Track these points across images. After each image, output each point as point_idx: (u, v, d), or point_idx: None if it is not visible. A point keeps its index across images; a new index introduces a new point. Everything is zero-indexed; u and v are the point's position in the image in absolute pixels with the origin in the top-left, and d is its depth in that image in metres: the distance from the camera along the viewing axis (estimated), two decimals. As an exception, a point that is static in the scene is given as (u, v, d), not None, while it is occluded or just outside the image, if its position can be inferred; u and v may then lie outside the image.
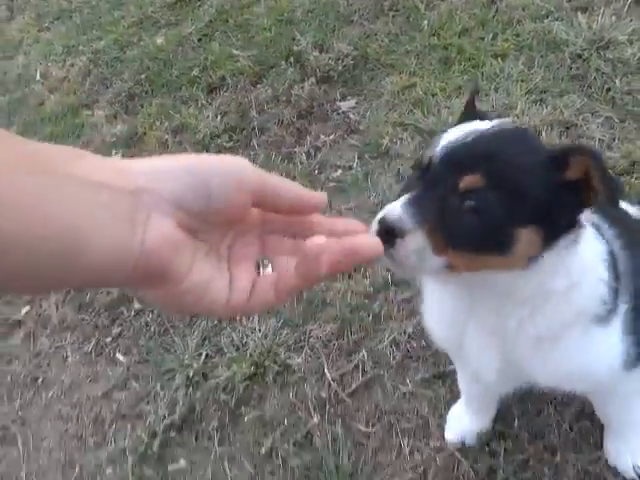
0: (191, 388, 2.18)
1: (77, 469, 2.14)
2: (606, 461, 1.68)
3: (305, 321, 2.26)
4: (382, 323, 2.17)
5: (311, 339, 2.20)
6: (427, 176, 1.11)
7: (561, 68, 2.70)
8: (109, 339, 2.48)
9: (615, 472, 1.66)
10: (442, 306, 1.36)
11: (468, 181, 1.07)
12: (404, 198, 1.08)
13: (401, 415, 1.95)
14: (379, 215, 1.08)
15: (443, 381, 1.97)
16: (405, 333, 2.11)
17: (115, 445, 2.16)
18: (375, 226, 1.07)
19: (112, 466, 2.11)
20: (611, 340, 1.27)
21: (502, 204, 1.06)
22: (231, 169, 0.67)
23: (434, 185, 1.09)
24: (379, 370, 2.06)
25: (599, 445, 1.71)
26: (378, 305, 2.21)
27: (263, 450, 1.98)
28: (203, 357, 2.26)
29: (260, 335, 2.24)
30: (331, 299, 2.28)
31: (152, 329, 2.44)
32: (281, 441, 1.98)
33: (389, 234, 1.04)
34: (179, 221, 0.65)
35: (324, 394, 2.04)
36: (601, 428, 1.72)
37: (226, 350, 2.25)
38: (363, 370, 2.08)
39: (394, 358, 2.07)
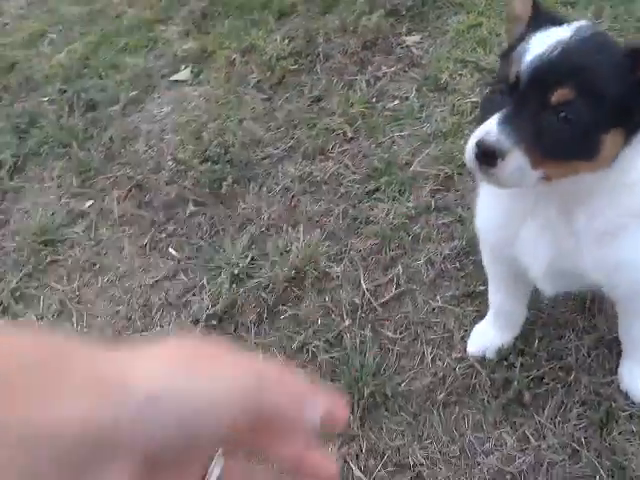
0: (234, 284, 2.30)
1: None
2: (618, 385, 1.74)
3: (347, 235, 2.35)
4: (420, 244, 2.24)
5: (351, 252, 2.29)
6: (516, 93, 1.17)
7: (629, 20, 2.67)
8: (164, 235, 2.61)
9: (625, 396, 1.72)
10: (500, 206, 1.43)
11: (560, 95, 1.13)
12: (497, 118, 1.14)
13: (428, 327, 2.03)
14: (475, 137, 1.17)
15: (472, 300, 2.04)
16: (441, 254, 2.18)
17: (161, 328, 2.30)
18: (474, 148, 1.16)
19: (156, 346, 2.24)
20: None
21: (592, 112, 1.14)
22: (231, 400, 0.49)
23: (525, 101, 1.15)
24: (412, 285, 2.14)
25: (613, 371, 1.77)
26: (419, 227, 2.28)
27: (295, 345, 2.09)
28: (249, 259, 2.37)
29: (304, 244, 2.34)
30: (375, 217, 2.35)
31: (204, 229, 2.56)
32: (313, 338, 2.08)
33: (488, 156, 1.12)
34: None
35: (357, 301, 2.14)
36: (618, 356, 1.78)
37: (271, 254, 2.35)
38: (397, 284, 2.16)
39: (427, 276, 2.15)
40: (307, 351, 2.07)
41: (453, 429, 1.80)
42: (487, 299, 1.91)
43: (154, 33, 3.68)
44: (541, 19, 1.26)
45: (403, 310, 2.10)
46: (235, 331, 2.22)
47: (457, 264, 2.15)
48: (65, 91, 3.44)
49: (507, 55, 1.27)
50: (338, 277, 2.23)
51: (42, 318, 2.45)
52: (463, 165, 2.37)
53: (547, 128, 1.14)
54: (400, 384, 1.92)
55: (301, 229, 2.42)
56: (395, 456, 1.79)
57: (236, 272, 2.33)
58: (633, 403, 1.70)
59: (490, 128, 1.14)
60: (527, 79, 1.15)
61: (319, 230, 2.39)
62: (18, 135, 3.26)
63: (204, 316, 2.25)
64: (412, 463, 1.77)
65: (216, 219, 2.58)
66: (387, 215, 2.34)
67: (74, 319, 2.44)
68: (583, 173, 1.20)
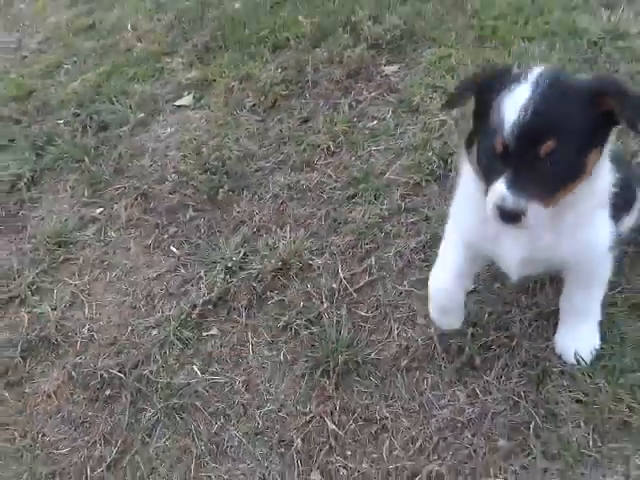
0: (228, 276, 2.58)
1: (129, 329, 2.55)
2: (553, 349, 2.01)
3: (328, 234, 2.64)
4: (391, 239, 2.53)
5: (331, 247, 2.58)
6: (509, 157, 1.43)
7: (577, 52, 3.01)
8: (166, 236, 2.90)
9: (559, 357, 1.99)
10: (481, 210, 1.62)
11: (546, 147, 1.39)
12: (504, 183, 1.43)
13: (395, 307, 2.31)
14: (493, 201, 1.46)
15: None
16: (409, 248, 2.47)
17: (162, 314, 2.57)
18: (496, 212, 1.46)
19: (158, 329, 2.51)
20: (606, 222, 1.69)
21: (573, 148, 1.42)
22: None
23: (519, 162, 1.42)
24: (383, 273, 2.42)
25: (550, 338, 2.04)
26: (390, 225, 2.58)
27: (280, 324, 2.37)
28: (241, 254, 2.65)
29: (290, 241, 2.62)
30: (352, 218, 2.65)
31: (202, 230, 2.86)
32: (296, 318, 2.36)
33: (512, 217, 1.44)
34: None
35: (335, 286, 2.41)
36: (554, 326, 2.05)
37: (261, 250, 2.64)
38: (370, 273, 2.44)
39: (396, 265, 2.43)
40: (291, 329, 2.34)
41: (414, 389, 2.06)
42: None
43: (161, 64, 4.04)
44: (492, 85, 1.50)
45: (375, 294, 2.37)
46: (228, 314, 2.49)
47: (422, 255, 2.43)
48: (79, 114, 3.77)
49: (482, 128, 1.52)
50: (319, 268, 2.51)
51: (55, 309, 2.71)
52: (430, 173, 2.69)
53: (545, 175, 1.42)
54: (370, 354, 2.18)
55: (288, 229, 2.71)
56: (364, 412, 2.05)
57: (230, 265, 2.61)
58: (565, 362, 1.96)
59: (503, 194, 1.42)
60: (514, 145, 1.41)
61: (304, 230, 2.68)
62: (35, 152, 3.57)
63: (201, 302, 2.52)
64: (378, 417, 2.03)
65: (213, 222, 2.87)
66: (363, 216, 2.63)
67: (85, 309, 2.70)
68: (575, 190, 1.51)
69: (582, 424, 1.84)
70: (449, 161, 2.68)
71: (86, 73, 4.18)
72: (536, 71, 1.47)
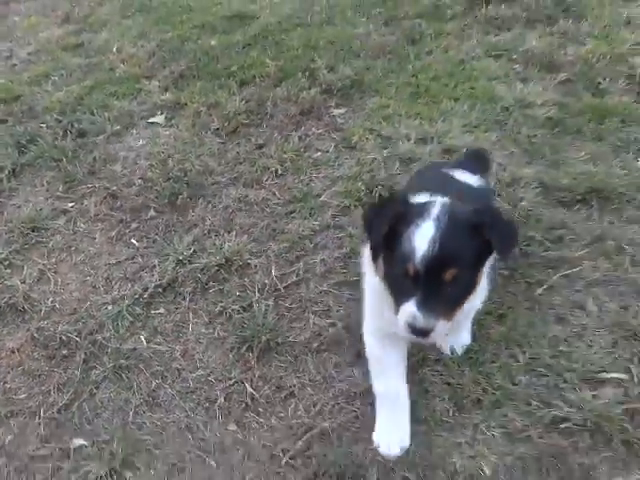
0: (178, 266, 2.98)
1: (88, 303, 2.92)
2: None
3: (268, 240, 3.07)
4: (319, 249, 2.98)
5: (268, 251, 3.01)
6: (419, 282, 1.67)
7: (491, 114, 3.56)
8: (128, 230, 3.30)
9: (438, 350, 2.42)
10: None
11: (449, 274, 1.66)
12: (415, 304, 1.67)
13: (315, 303, 2.74)
14: (405, 319, 1.69)
15: (348, 287, 2.76)
16: (332, 257, 2.92)
17: (118, 293, 2.95)
18: (407, 328, 1.70)
19: (113, 305, 2.89)
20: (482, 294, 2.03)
21: (469, 270, 1.73)
22: None
23: (426, 286, 1.66)
24: (308, 275, 2.86)
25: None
26: (320, 238, 3.03)
27: (218, 309, 2.77)
28: (191, 250, 3.06)
29: (234, 243, 3.05)
30: (289, 230, 3.09)
31: (160, 229, 3.26)
32: (231, 305, 2.77)
33: (422, 333, 1.69)
34: None
35: (267, 282, 2.84)
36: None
37: (208, 248, 3.06)
38: (297, 274, 2.87)
39: (320, 270, 2.87)
40: (226, 313, 2.75)
41: (320, 366, 2.48)
42: (356, 284, 2.64)
43: (139, 85, 4.48)
44: (401, 216, 1.73)
45: (299, 291, 2.80)
46: (174, 298, 2.88)
47: (342, 264, 2.88)
48: (61, 121, 4.17)
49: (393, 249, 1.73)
50: (256, 267, 2.94)
51: (24, 282, 3.07)
52: (358, 200, 3.16)
53: (448, 295, 1.67)
54: (288, 337, 2.61)
55: (234, 234, 3.13)
56: (278, 382, 2.46)
57: (180, 258, 3.01)
58: (442, 353, 2.42)
59: (415, 315, 1.66)
60: (424, 272, 1.64)
61: (247, 236, 3.11)
62: (19, 149, 3.95)
63: (152, 286, 2.92)
64: (289, 386, 2.44)
65: (170, 222, 3.28)
66: (298, 228, 3.08)
67: (51, 284, 3.06)
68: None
69: (447, 399, 2.28)
70: (374, 191, 3.15)
71: (71, 85, 4.60)
72: (436, 207, 1.74)
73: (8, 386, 2.63)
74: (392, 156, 3.37)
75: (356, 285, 2.69)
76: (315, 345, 2.56)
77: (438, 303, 1.67)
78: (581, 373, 2.29)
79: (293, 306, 2.74)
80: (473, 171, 2.47)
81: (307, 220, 3.13)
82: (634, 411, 2.17)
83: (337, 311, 2.68)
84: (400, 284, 1.72)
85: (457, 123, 3.53)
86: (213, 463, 2.26)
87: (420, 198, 1.85)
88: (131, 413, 2.44)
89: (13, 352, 2.75)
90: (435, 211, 1.71)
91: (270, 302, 2.75)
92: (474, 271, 1.75)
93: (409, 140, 3.45)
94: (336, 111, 3.87)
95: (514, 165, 3.21)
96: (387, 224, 1.72)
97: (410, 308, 1.67)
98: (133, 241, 3.23)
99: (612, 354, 2.35)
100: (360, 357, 2.45)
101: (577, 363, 2.32)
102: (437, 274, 1.64)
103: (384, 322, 2.01)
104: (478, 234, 1.68)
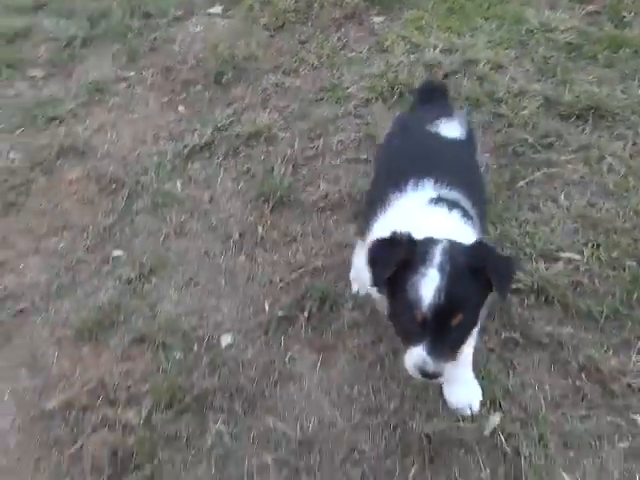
0: (216, 132, 3.37)
1: (136, 153, 3.33)
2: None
3: (296, 119, 3.43)
4: (338, 131, 3.32)
5: (295, 128, 3.36)
6: (427, 327, 1.67)
7: (516, 34, 3.79)
8: (177, 98, 3.69)
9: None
10: None
11: (456, 320, 1.67)
12: (425, 349, 1.67)
13: (326, 174, 3.10)
14: (414, 362, 1.71)
15: (359, 163, 3.11)
16: (349, 139, 3.26)
17: (163, 147, 3.36)
18: (416, 371, 1.72)
19: (157, 156, 3.30)
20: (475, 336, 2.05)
21: (472, 313, 1.75)
22: None
23: (435, 331, 1.67)
24: (325, 151, 3.22)
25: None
26: (340, 122, 3.37)
27: (244, 169, 3.17)
28: (229, 121, 3.44)
29: (267, 118, 3.41)
30: (316, 113, 3.43)
31: (204, 100, 3.64)
32: (256, 166, 3.16)
33: (431, 376, 1.72)
34: None
35: (289, 152, 3.21)
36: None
37: (243, 121, 3.43)
38: (316, 149, 3.23)
39: (336, 148, 3.22)
40: (250, 173, 3.14)
41: (323, 224, 2.86)
42: (364, 162, 3.00)
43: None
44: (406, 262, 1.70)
45: (315, 163, 3.16)
46: (209, 157, 3.27)
47: (357, 144, 3.23)
48: (131, 1, 4.52)
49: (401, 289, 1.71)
50: (282, 139, 3.31)
51: (86, 129, 3.50)
52: (380, 94, 3.46)
53: (454, 338, 1.71)
54: (300, 197, 2.99)
55: (267, 111, 3.49)
56: (284, 229, 2.85)
57: (219, 125, 3.40)
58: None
59: (425, 359, 1.67)
60: (432, 319, 1.65)
61: (278, 114, 3.47)
62: (91, 22, 4.33)
63: (192, 145, 3.31)
64: (293, 234, 2.82)
65: (214, 96, 3.66)
66: (324, 112, 3.42)
67: (108, 135, 3.49)
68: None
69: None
70: (395, 88, 3.46)
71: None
72: (438, 251, 1.69)
73: (65, 207, 3.08)
74: (417, 61, 3.65)
75: (364, 163, 3.06)
76: (321, 205, 2.94)
77: (445, 346, 1.70)
78: (540, 250, 2.61)
79: (308, 173, 3.11)
80: (448, 114, 2.41)
81: (333, 107, 3.46)
82: (578, 283, 2.49)
83: (344, 181, 3.04)
84: (407, 327, 1.75)
85: (483, 39, 3.77)
86: (222, 282, 2.69)
87: (422, 233, 1.78)
88: (162, 238, 2.88)
89: (71, 183, 3.20)
90: (438, 256, 1.68)
91: (289, 168, 3.12)
92: (477, 311, 1.79)
93: (435, 49, 3.71)
94: (376, 18, 4.13)
95: (525, 80, 3.46)
96: (392, 268, 1.72)
97: (420, 352, 1.70)
98: (180, 108, 3.62)
99: (571, 238, 2.66)
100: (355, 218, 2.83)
101: (539, 242, 2.64)
102: (445, 320, 1.67)
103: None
104: (479, 276, 1.70)
